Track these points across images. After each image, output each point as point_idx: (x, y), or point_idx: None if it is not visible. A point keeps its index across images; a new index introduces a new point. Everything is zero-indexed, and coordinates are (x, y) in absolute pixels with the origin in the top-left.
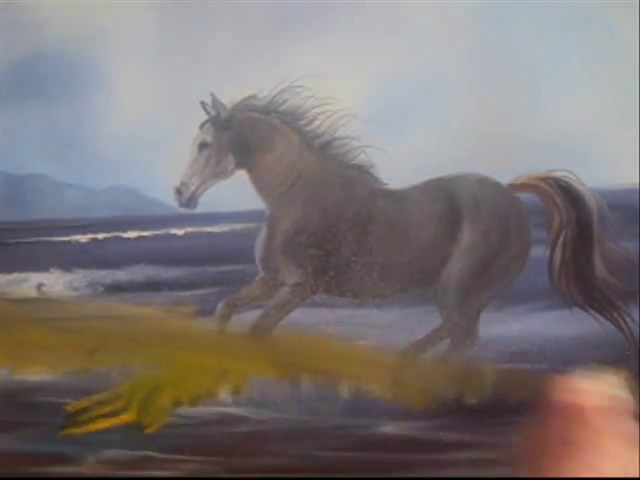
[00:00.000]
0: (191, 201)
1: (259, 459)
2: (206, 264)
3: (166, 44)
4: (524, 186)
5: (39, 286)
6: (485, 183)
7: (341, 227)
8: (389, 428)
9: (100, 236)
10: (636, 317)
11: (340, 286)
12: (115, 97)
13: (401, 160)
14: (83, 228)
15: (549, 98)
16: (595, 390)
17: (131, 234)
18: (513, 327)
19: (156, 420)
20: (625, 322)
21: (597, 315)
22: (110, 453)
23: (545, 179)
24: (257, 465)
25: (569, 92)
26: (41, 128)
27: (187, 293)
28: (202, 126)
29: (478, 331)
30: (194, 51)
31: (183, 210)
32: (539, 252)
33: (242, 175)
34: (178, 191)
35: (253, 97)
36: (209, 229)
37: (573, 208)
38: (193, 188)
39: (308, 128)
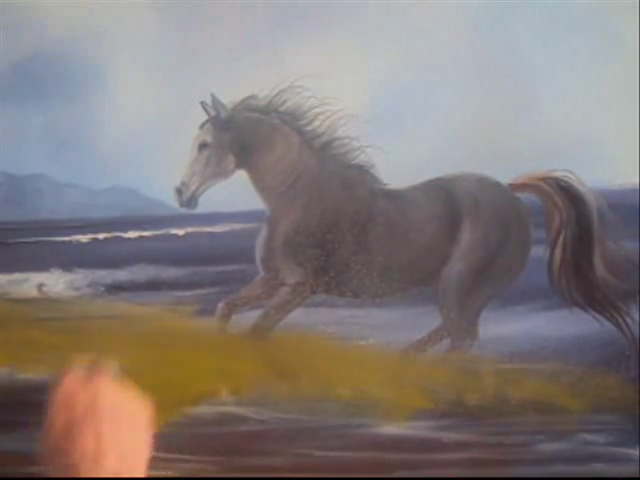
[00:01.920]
0: (191, 201)
1: (259, 458)
2: (206, 264)
3: (166, 44)
4: (524, 186)
5: (40, 286)
6: (485, 183)
7: (341, 227)
8: (389, 428)
9: (100, 236)
10: (636, 317)
11: (340, 286)
12: (115, 97)
13: (401, 160)
14: (83, 228)
15: (549, 98)
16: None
17: (131, 234)
18: (513, 327)
19: (156, 420)
20: (625, 322)
21: (597, 315)
22: None
23: (545, 179)
24: (257, 465)
25: (569, 92)
26: (41, 128)
27: (187, 293)
28: (202, 126)
29: (478, 331)
30: (194, 51)
31: (183, 210)
32: (539, 252)
33: (242, 175)
34: (178, 191)
35: (253, 97)
36: (209, 229)
37: (573, 208)
38: (193, 188)
39: (308, 128)
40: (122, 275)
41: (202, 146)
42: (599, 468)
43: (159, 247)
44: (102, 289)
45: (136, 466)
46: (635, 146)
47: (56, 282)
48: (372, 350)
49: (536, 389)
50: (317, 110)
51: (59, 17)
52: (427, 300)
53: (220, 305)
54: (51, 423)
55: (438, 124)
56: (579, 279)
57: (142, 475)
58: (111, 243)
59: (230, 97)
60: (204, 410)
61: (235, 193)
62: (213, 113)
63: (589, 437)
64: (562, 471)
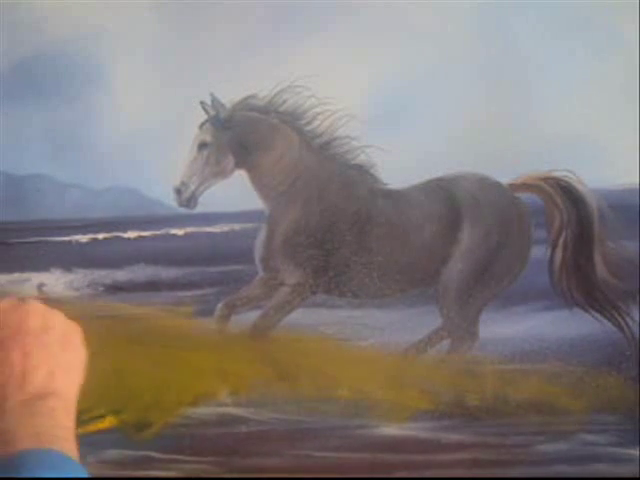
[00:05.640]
0: (191, 201)
1: (259, 459)
2: (206, 264)
3: (166, 44)
4: (524, 186)
5: (40, 286)
6: (485, 183)
7: (341, 227)
8: (389, 429)
9: (100, 236)
10: (636, 317)
11: (340, 286)
12: (115, 97)
13: (401, 160)
14: (83, 228)
15: (549, 98)
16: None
17: (131, 234)
18: (513, 327)
19: (156, 421)
20: (625, 322)
21: (597, 315)
22: (110, 453)
23: (545, 179)
24: (257, 465)
25: (569, 92)
26: (41, 128)
27: (187, 293)
28: (202, 126)
29: (478, 331)
30: (194, 51)
31: (183, 210)
32: (539, 252)
33: (241, 175)
34: (178, 191)
35: (253, 97)
36: (209, 229)
37: (574, 208)
38: (193, 188)
39: (308, 128)
40: (122, 275)
41: (201, 146)
42: (600, 468)
43: (159, 247)
44: (102, 289)
45: (65, 385)
46: (635, 146)
47: (56, 282)
48: (372, 351)
49: (536, 390)
50: (317, 110)
51: (59, 17)
52: (427, 301)
53: (219, 305)
54: None
55: (438, 124)
56: (580, 279)
57: (72, 394)
58: (111, 243)
59: (230, 97)
60: (203, 411)
61: (234, 193)
62: (213, 113)
63: (589, 437)
64: (563, 471)
